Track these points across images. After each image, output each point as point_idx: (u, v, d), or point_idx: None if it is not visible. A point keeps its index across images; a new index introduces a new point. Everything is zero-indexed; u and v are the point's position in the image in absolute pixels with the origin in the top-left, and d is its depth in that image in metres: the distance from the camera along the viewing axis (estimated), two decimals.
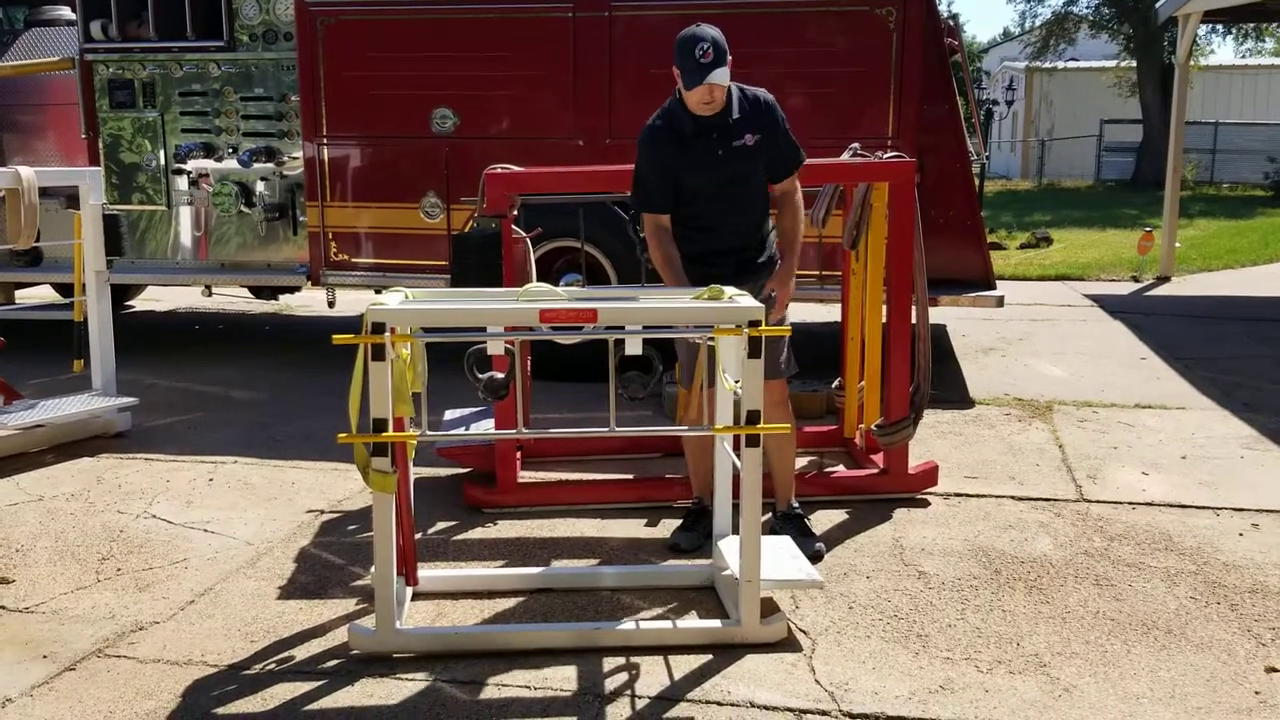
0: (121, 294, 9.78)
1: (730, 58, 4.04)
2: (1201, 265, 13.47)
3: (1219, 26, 29.67)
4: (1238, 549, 4.35)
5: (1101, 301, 10.72)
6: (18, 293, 8.59)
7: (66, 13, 8.39)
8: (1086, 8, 31.19)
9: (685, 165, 4.13)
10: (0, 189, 6.05)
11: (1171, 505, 4.86)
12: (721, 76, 3.99)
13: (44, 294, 9.38)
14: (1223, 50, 33.94)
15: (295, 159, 7.48)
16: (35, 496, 5.03)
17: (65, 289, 8.48)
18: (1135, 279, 12.37)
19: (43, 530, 4.60)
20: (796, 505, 4.48)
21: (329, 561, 4.27)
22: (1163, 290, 11.85)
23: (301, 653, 3.53)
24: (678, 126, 4.14)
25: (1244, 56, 35.08)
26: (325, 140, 7.28)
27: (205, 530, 4.60)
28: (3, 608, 3.87)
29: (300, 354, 8.34)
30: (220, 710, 3.19)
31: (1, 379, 5.95)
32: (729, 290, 3.67)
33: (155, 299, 10.85)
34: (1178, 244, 13.03)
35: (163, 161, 7.70)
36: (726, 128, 4.13)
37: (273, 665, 3.45)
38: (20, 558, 4.31)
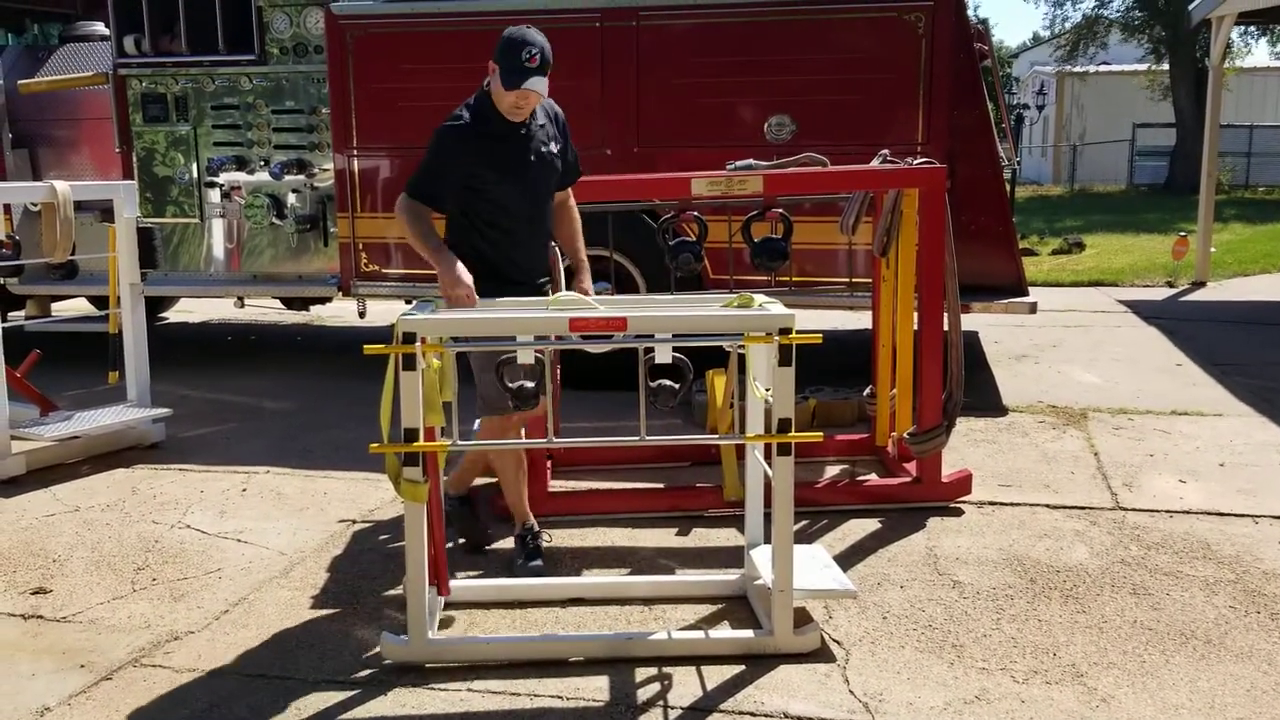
0: (155, 306, 9.88)
1: (550, 71, 3.97)
2: (1237, 270, 13.31)
3: (1253, 28, 29.36)
4: (1278, 557, 4.28)
5: (1136, 307, 10.62)
6: (54, 305, 8.69)
7: (100, 28, 8.50)
8: (1117, 11, 30.97)
9: (493, 164, 3.96)
10: (36, 203, 6.13)
11: (1209, 513, 4.79)
12: (540, 85, 3.89)
13: (79, 306, 9.48)
14: (1258, 52, 33.61)
15: (326, 171, 7.53)
16: (72, 507, 5.08)
17: (100, 301, 8.57)
18: (1170, 284, 12.24)
19: (79, 540, 4.64)
20: (532, 524, 4.33)
21: (361, 571, 4.29)
22: (1198, 295, 11.72)
23: (335, 662, 3.54)
24: (488, 123, 3.97)
25: None
26: (355, 152, 7.33)
27: (239, 540, 4.63)
28: (41, 617, 3.91)
29: (331, 364, 8.39)
30: (255, 719, 3.21)
31: (38, 391, 6.02)
32: (759, 297, 3.65)
33: (188, 311, 10.96)
34: (1213, 248, 12.88)
35: (195, 174, 7.78)
36: (532, 133, 4.06)
37: (306, 674, 3.46)
38: (58, 568, 4.36)
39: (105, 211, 7.23)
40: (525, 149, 4.03)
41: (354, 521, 4.85)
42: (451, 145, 3.96)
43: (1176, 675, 3.38)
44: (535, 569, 4.18)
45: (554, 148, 4.13)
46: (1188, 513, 4.80)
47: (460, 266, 3.81)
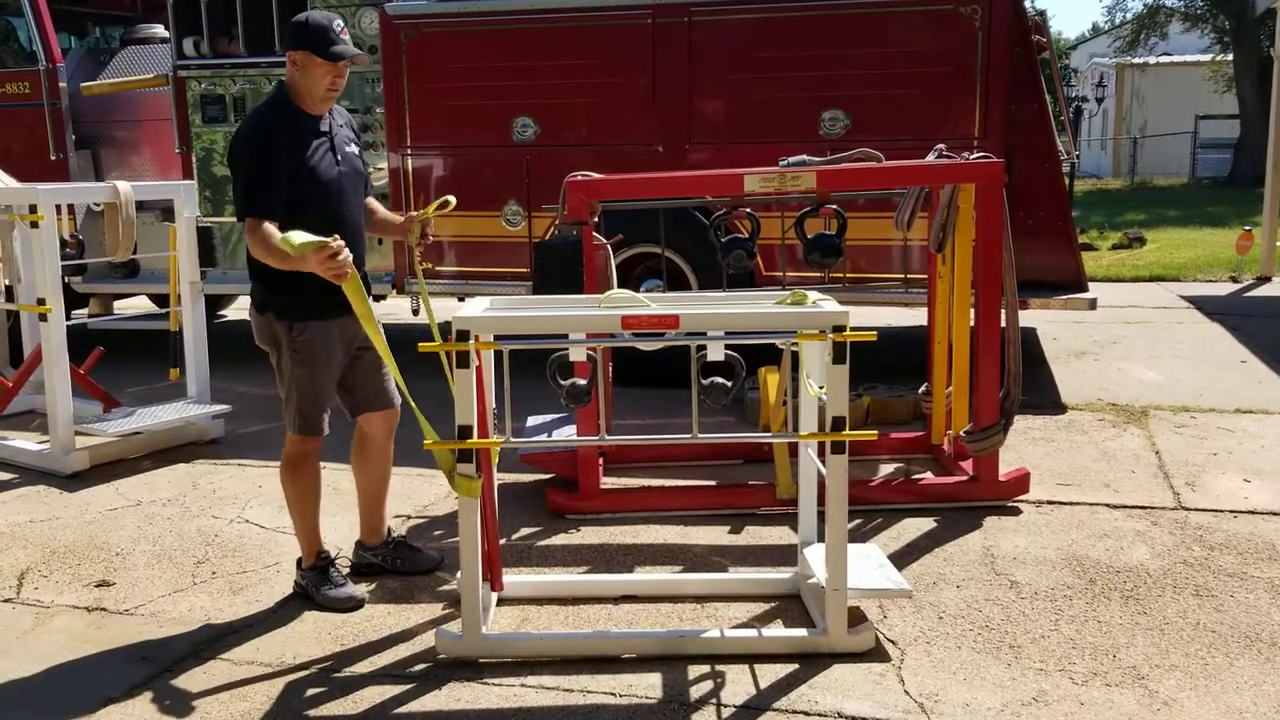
0: (214, 304, 10.04)
1: None
2: None
3: None
4: None
5: (1198, 303, 10.40)
6: (116, 303, 8.86)
7: (160, 31, 8.64)
8: (1178, 1, 30.37)
9: (307, 163, 3.75)
10: (99, 203, 6.25)
11: (1275, 514, 4.68)
12: (356, 52, 3.80)
13: (141, 304, 9.66)
14: None
15: (380, 169, 7.59)
16: (134, 501, 5.17)
17: (161, 299, 8.73)
18: (1234, 279, 11.99)
19: (141, 534, 4.73)
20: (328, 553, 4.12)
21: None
22: (1263, 291, 11.46)
23: (389, 656, 3.57)
24: (293, 121, 3.78)
25: None
26: (409, 150, 7.39)
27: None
28: (104, 610, 3.99)
29: None
30: (312, 712, 3.25)
31: (101, 388, 6.14)
32: (812, 294, 3.63)
33: (246, 309, 11.09)
34: (1278, 243, 12.58)
35: None
36: (334, 131, 3.89)
37: (362, 668, 3.50)
38: (120, 561, 4.44)
39: (166, 211, 7.38)
40: (331, 147, 3.86)
41: (409, 517, 4.89)
42: (268, 141, 3.73)
43: (1241, 678, 3.30)
44: (344, 595, 3.98)
45: (355, 148, 4.00)
46: (1253, 513, 4.70)
47: (309, 237, 3.50)
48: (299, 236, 3.47)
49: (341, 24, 3.81)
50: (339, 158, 3.90)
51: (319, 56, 3.74)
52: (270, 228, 3.64)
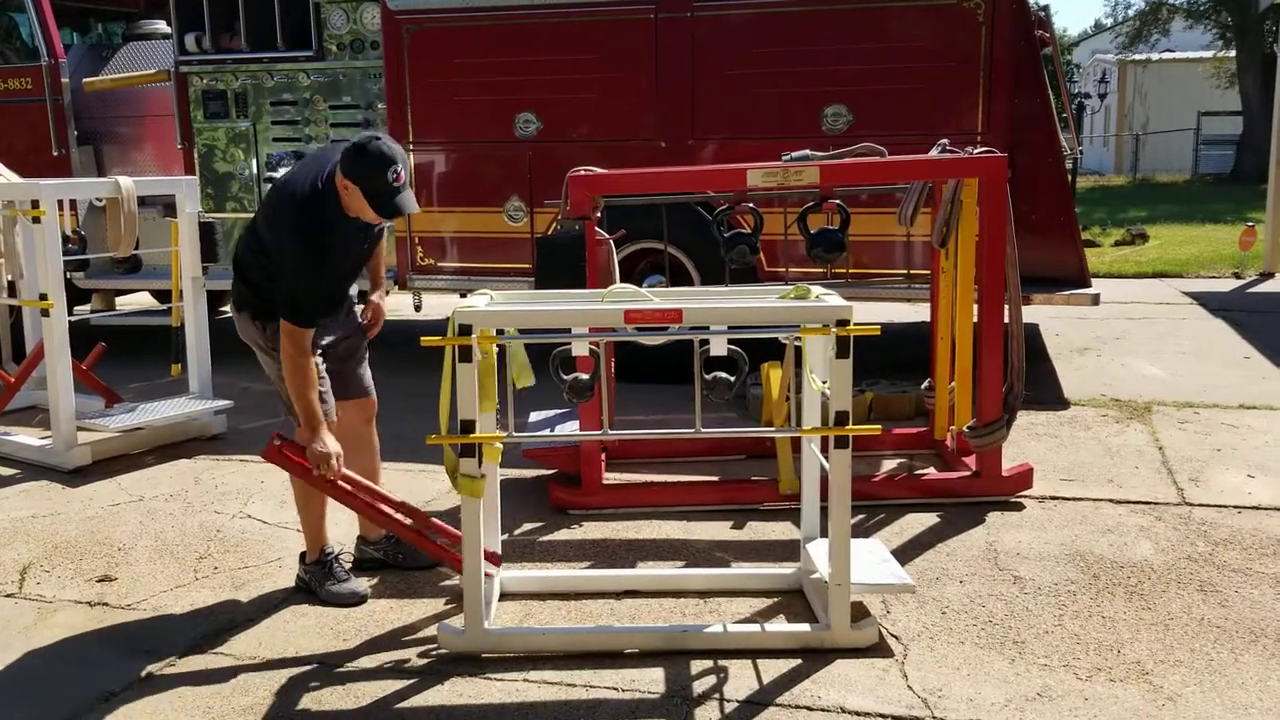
0: (216, 300, 10.01)
1: None
2: None
3: None
4: None
5: (1201, 299, 10.38)
6: (118, 299, 8.85)
7: (162, 27, 8.64)
8: None
9: (347, 248, 3.81)
10: (102, 199, 6.24)
11: (1279, 509, 4.67)
12: (414, 203, 3.70)
13: (143, 300, 9.66)
14: None
15: None
16: (136, 497, 5.17)
17: (163, 295, 8.72)
18: (1237, 275, 11.96)
19: (143, 530, 4.73)
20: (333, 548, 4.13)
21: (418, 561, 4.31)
22: (1266, 287, 11.43)
23: (392, 651, 3.57)
24: (336, 217, 3.68)
25: None
26: (411, 146, 7.37)
27: (298, 530, 4.63)
28: (106, 604, 3.98)
29: (387, 357, 8.44)
30: (314, 707, 3.24)
31: (103, 383, 6.14)
32: (815, 289, 3.62)
33: None
34: None
35: (255, 170, 7.88)
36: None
37: (364, 663, 3.50)
38: (122, 556, 4.44)
39: (168, 207, 7.36)
40: (367, 230, 3.85)
41: None
42: (320, 244, 3.67)
43: (1246, 674, 3.30)
44: (346, 590, 3.98)
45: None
46: (1257, 508, 4.69)
47: (331, 437, 3.75)
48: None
49: (400, 167, 3.58)
50: (365, 243, 3.92)
51: (368, 203, 3.60)
52: (306, 338, 3.67)
